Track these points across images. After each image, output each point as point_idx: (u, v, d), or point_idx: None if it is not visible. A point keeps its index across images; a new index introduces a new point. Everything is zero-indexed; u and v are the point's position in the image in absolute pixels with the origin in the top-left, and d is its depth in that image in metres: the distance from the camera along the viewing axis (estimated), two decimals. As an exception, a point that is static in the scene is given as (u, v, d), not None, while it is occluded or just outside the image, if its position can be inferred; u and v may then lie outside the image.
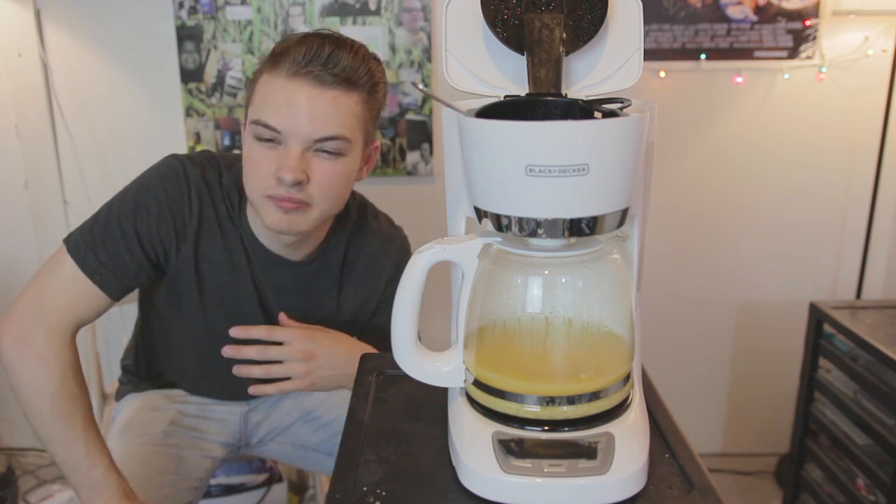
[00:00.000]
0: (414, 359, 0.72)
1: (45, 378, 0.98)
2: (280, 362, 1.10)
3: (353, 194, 1.21)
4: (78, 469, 1.00)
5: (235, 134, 2.07)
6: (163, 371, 1.32)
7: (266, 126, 0.98)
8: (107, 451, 1.02)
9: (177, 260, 1.09)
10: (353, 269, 1.21)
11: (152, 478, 1.15)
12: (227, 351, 1.08)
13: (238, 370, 1.09)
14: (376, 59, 1.02)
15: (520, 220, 0.62)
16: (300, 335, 1.11)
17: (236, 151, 2.06)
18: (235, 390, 1.33)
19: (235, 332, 1.08)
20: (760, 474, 2.26)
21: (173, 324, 1.20)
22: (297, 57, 0.95)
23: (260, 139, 0.99)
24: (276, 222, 1.02)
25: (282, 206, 1.00)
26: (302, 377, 1.09)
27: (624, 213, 0.64)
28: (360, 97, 1.00)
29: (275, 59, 0.98)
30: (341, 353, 1.11)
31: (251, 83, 1.03)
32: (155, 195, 1.05)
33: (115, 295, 1.04)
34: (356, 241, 1.21)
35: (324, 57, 0.95)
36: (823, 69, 2.01)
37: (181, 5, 1.97)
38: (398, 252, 1.24)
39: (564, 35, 0.68)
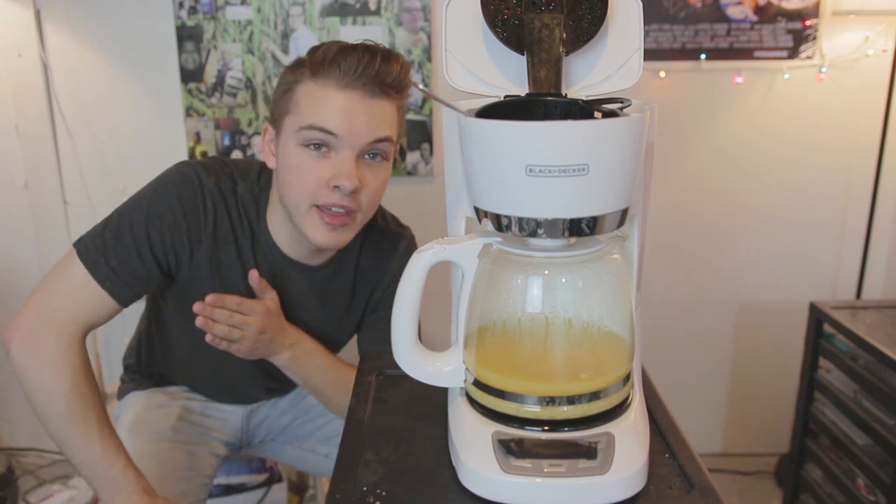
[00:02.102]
0: (414, 359, 0.72)
1: (57, 381, 0.98)
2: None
3: None
4: (96, 469, 1.00)
5: (235, 134, 2.07)
6: (166, 373, 1.32)
7: (322, 129, 0.98)
8: (123, 448, 1.03)
9: (190, 267, 1.08)
10: (365, 271, 1.22)
11: (168, 474, 1.16)
12: (198, 307, 1.08)
13: (202, 322, 1.08)
14: (409, 65, 1.06)
15: (520, 220, 0.62)
16: (261, 311, 1.11)
17: (236, 155, 2.06)
18: (240, 396, 1.34)
19: (211, 299, 1.08)
20: (760, 474, 2.26)
21: (181, 330, 1.20)
22: (347, 68, 0.97)
23: (308, 145, 1.00)
24: (322, 239, 1.04)
25: (330, 223, 1.02)
26: (246, 349, 1.11)
27: (624, 213, 0.64)
28: (399, 103, 1.04)
29: (317, 69, 0.99)
30: (288, 336, 1.15)
31: (285, 93, 1.03)
32: (168, 203, 1.05)
33: (125, 301, 1.04)
34: (369, 243, 1.21)
35: (375, 68, 0.98)
36: (823, 69, 2.01)
37: (181, 5, 1.97)
38: (404, 250, 1.24)
39: (564, 35, 0.68)
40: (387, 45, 1.97)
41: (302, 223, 1.04)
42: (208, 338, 1.09)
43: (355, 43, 1.01)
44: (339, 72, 0.98)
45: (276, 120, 1.06)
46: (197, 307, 1.07)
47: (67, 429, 0.99)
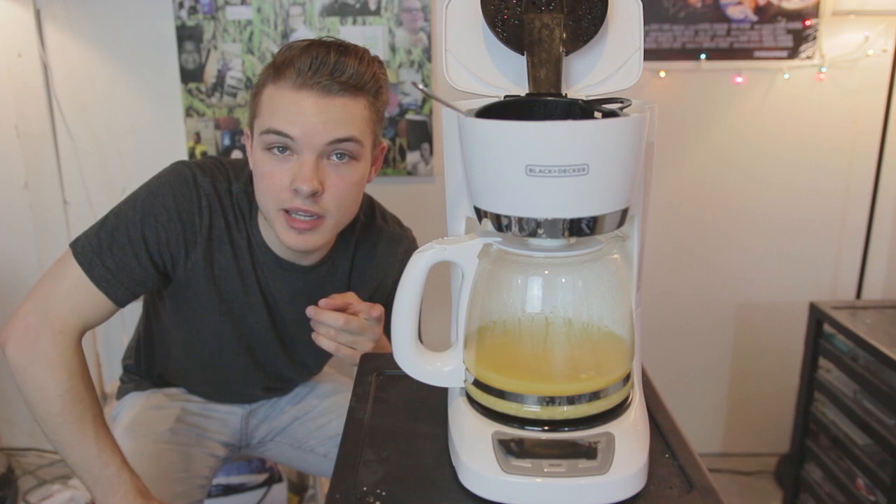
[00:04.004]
0: (414, 359, 0.72)
1: (53, 381, 0.98)
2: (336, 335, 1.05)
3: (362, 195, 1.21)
4: (91, 469, 1.00)
5: (235, 134, 2.07)
6: (164, 373, 1.32)
7: (278, 133, 0.96)
8: (118, 449, 1.03)
9: (185, 267, 1.08)
10: (362, 271, 1.21)
11: (164, 475, 1.16)
12: (310, 311, 1.03)
13: (315, 337, 1.04)
14: (379, 62, 1.02)
15: (520, 220, 0.62)
16: (381, 316, 1.06)
17: (237, 155, 2.06)
18: (239, 396, 1.34)
19: (324, 303, 1.03)
20: (760, 474, 2.26)
21: (179, 331, 1.20)
22: (302, 67, 0.95)
23: (271, 149, 0.99)
24: (292, 242, 1.02)
25: (295, 227, 1.00)
26: (358, 355, 1.03)
27: (624, 213, 0.64)
28: (367, 101, 1.00)
29: (278, 71, 0.97)
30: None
31: (254, 96, 1.02)
32: (163, 202, 1.04)
33: (121, 301, 1.04)
34: (364, 242, 1.20)
35: (330, 66, 0.95)
36: (823, 69, 2.01)
37: (181, 5, 1.97)
38: (405, 253, 1.23)
39: (564, 35, 0.68)
40: (387, 46, 1.99)
41: (273, 226, 1.04)
42: (316, 337, 1.04)
43: (319, 40, 0.98)
44: (294, 72, 0.95)
45: (250, 123, 1.05)
46: (309, 311, 1.03)
47: (63, 429, 0.99)
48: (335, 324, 1.02)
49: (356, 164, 1.02)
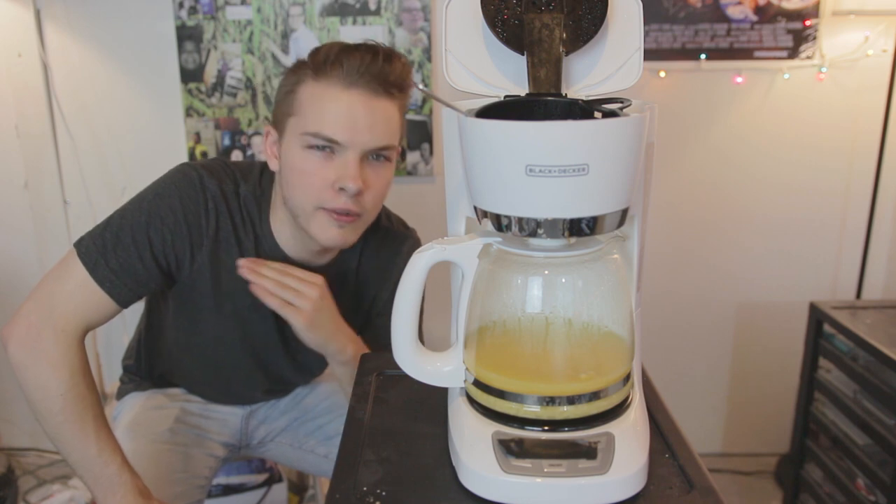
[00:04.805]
0: (414, 359, 0.72)
1: (55, 380, 0.98)
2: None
3: None
4: (91, 468, 1.00)
5: (235, 134, 2.07)
6: (165, 374, 1.32)
7: (325, 138, 0.99)
8: (119, 449, 1.03)
9: (191, 269, 1.08)
10: (367, 271, 1.22)
11: (164, 476, 1.16)
12: (244, 269, 1.05)
13: (254, 289, 1.05)
14: (410, 65, 1.06)
15: (520, 220, 0.62)
16: (321, 281, 1.08)
17: (237, 155, 2.06)
18: (239, 398, 1.34)
19: (244, 262, 1.06)
20: (760, 474, 2.26)
21: (181, 332, 1.20)
22: (350, 67, 0.98)
23: (312, 148, 1.01)
24: (331, 238, 1.04)
25: (338, 221, 1.03)
26: (305, 314, 1.05)
27: (624, 213, 0.64)
28: (401, 104, 1.04)
29: (320, 69, 0.99)
30: (338, 320, 1.11)
31: (287, 94, 1.03)
32: (170, 204, 1.04)
33: (125, 302, 1.04)
34: (371, 243, 1.21)
35: (378, 67, 0.98)
36: (823, 69, 2.01)
37: (181, 5, 1.97)
38: (409, 252, 1.22)
39: (564, 35, 0.68)
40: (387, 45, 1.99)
41: (308, 224, 1.04)
42: (258, 290, 1.05)
43: (357, 43, 1.01)
44: (342, 71, 0.98)
45: (278, 122, 1.06)
46: (242, 266, 1.05)
47: (64, 428, 0.99)
48: (270, 274, 1.05)
49: (390, 165, 1.07)
